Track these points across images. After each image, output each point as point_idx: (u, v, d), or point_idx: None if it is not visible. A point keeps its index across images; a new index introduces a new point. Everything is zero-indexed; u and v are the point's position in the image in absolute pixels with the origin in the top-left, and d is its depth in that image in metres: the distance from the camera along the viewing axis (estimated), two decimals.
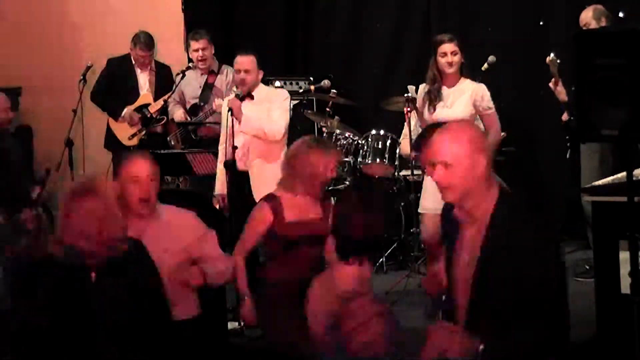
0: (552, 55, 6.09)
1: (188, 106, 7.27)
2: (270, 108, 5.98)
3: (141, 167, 4.08)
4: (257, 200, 5.78)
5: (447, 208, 3.41)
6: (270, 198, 4.71)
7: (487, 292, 3.15)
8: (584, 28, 6.07)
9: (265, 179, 5.83)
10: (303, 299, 4.24)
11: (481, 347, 3.02)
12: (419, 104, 5.89)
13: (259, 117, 5.95)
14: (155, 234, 4.07)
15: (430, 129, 5.20)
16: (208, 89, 7.22)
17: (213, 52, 7.23)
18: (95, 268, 3.52)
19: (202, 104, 7.17)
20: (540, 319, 3.09)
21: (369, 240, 3.09)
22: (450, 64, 5.69)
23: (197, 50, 7.15)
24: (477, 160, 3.17)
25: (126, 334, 3.50)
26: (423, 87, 5.86)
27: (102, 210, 3.51)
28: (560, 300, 3.22)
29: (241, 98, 5.97)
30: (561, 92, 6.16)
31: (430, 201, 5.36)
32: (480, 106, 5.63)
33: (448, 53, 5.69)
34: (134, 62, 7.54)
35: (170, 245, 4.07)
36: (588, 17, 6.14)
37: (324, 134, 7.06)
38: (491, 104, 5.70)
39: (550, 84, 6.21)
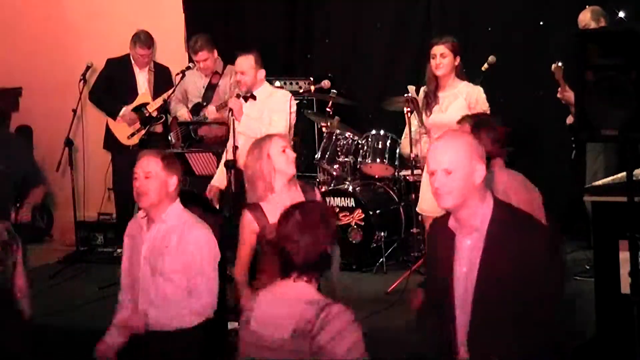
0: (556, 62, 6.10)
1: (190, 105, 7.26)
2: (271, 109, 5.96)
3: (140, 163, 4.18)
4: None
5: (435, 222, 3.43)
6: (250, 206, 4.48)
7: (490, 304, 3.14)
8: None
9: None
10: None
11: None
12: (420, 106, 5.89)
13: (259, 118, 5.93)
14: (153, 237, 4.13)
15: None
16: (211, 89, 7.22)
17: (216, 55, 7.21)
18: None
19: (204, 103, 7.16)
20: (545, 327, 3.08)
21: (313, 257, 3.10)
22: (438, 67, 5.67)
23: (198, 62, 7.15)
24: (475, 168, 3.18)
25: None
26: (423, 89, 5.87)
27: None
28: (560, 307, 3.21)
29: (244, 97, 5.95)
30: (570, 97, 6.16)
31: (429, 204, 5.36)
32: (474, 109, 5.60)
33: (437, 55, 5.68)
34: (133, 61, 7.54)
35: (166, 251, 4.10)
36: (587, 19, 6.14)
37: (324, 134, 7.07)
38: (485, 107, 5.68)
39: (558, 94, 6.22)
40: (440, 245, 3.34)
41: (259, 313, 3.13)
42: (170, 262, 4.10)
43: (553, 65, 6.13)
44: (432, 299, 3.43)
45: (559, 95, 6.24)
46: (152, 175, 4.11)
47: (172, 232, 4.14)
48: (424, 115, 5.78)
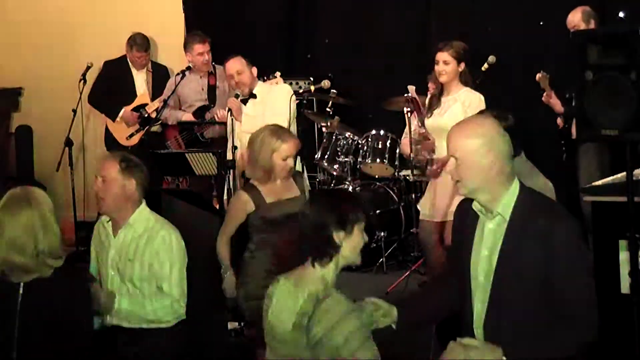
0: (541, 72, 6.11)
1: (192, 109, 7.20)
2: (273, 105, 5.95)
3: (99, 166, 4.17)
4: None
5: (464, 202, 3.36)
6: (249, 187, 4.67)
7: (509, 288, 3.08)
8: (573, 30, 6.05)
9: None
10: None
11: (503, 359, 2.95)
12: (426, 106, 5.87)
13: (262, 115, 5.92)
14: (120, 243, 4.12)
15: None
16: (211, 90, 7.21)
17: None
18: (24, 284, 3.53)
19: (212, 105, 7.13)
20: (569, 323, 3.02)
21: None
22: (441, 74, 5.63)
23: (202, 54, 7.12)
24: (486, 156, 3.11)
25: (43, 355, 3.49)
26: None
27: (37, 223, 3.52)
28: (594, 304, 3.08)
29: (245, 100, 5.95)
30: (556, 104, 6.19)
31: (427, 208, 5.37)
32: (466, 113, 5.55)
33: (440, 61, 5.62)
34: (130, 63, 7.54)
35: (134, 258, 4.09)
36: (577, 19, 6.12)
37: (324, 134, 7.07)
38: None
39: (544, 99, 6.23)
40: (464, 226, 3.29)
41: (275, 302, 3.18)
42: (139, 269, 4.07)
43: (538, 75, 6.15)
44: (450, 275, 3.42)
45: (544, 99, 6.25)
46: (108, 179, 4.07)
47: (139, 238, 4.09)
48: (425, 117, 5.76)
